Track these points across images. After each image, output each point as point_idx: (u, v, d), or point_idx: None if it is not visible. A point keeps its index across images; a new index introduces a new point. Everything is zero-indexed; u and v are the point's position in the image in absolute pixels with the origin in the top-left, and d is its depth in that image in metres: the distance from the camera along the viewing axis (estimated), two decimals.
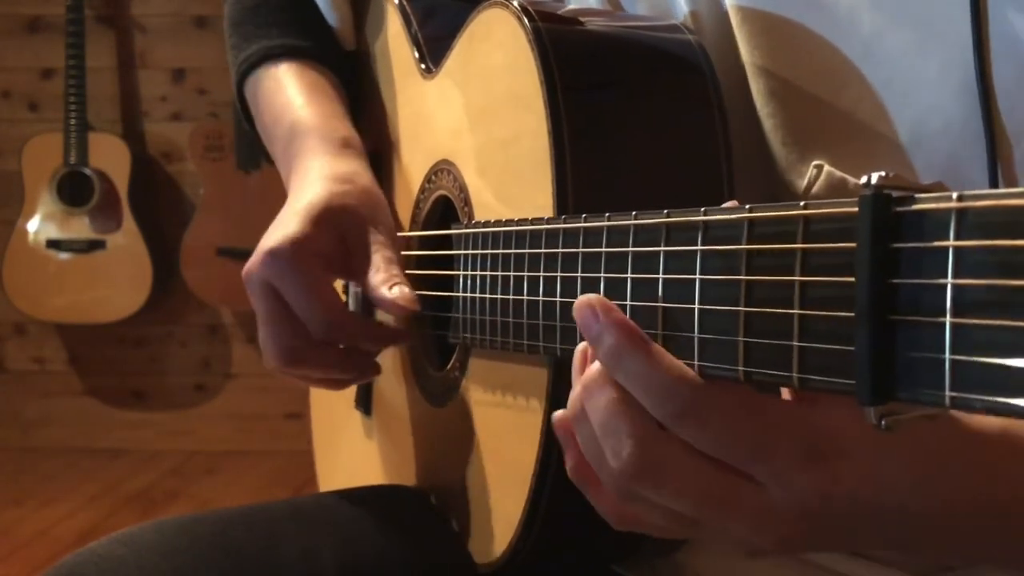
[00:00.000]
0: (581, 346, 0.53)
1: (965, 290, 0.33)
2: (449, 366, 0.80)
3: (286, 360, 0.78)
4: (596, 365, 0.50)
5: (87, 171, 3.11)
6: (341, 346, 0.80)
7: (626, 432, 0.48)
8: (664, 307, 0.49)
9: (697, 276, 0.46)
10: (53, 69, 3.26)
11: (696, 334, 0.47)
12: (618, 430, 0.48)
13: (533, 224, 0.63)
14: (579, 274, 0.57)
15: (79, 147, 3.10)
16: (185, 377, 3.41)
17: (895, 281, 0.36)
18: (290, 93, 0.90)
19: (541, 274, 0.61)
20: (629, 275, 0.52)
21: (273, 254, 0.75)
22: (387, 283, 0.76)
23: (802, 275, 0.40)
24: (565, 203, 0.64)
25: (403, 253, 0.87)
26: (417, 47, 0.90)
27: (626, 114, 0.66)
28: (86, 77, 3.11)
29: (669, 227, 0.49)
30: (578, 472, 0.55)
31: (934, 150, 0.61)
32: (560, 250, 0.59)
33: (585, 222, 0.56)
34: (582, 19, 0.70)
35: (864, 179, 0.37)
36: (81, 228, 3.14)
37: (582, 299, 0.49)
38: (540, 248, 0.61)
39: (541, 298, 0.61)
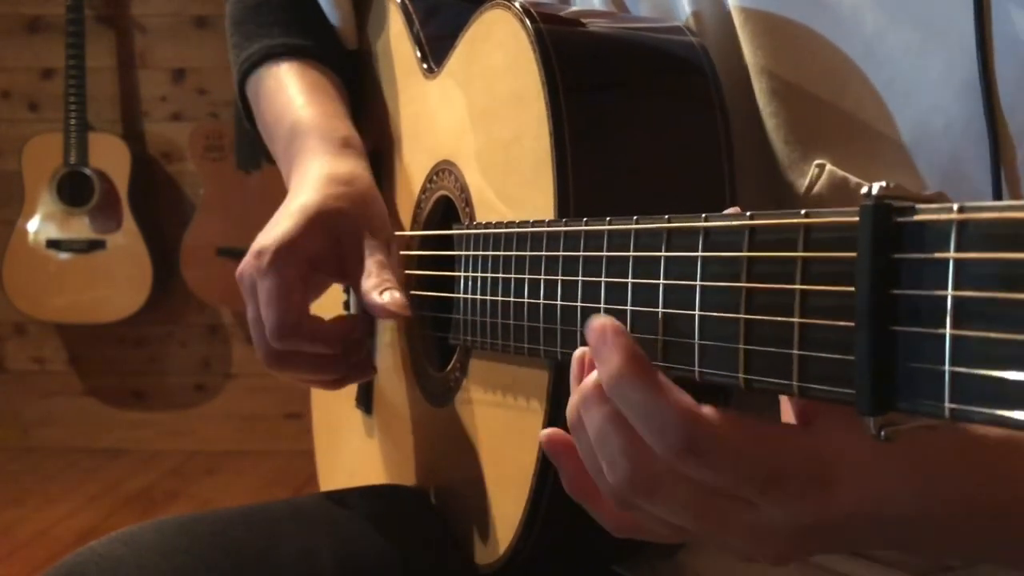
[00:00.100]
0: (578, 353, 0.53)
1: (965, 302, 0.33)
2: (450, 366, 0.80)
3: (269, 361, 0.78)
4: (593, 376, 0.50)
5: (87, 171, 3.11)
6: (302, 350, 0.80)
7: (619, 448, 0.48)
8: (664, 312, 0.49)
9: (698, 282, 0.46)
10: (53, 69, 3.26)
11: (696, 340, 0.47)
12: (612, 445, 0.48)
13: (534, 226, 0.63)
14: (580, 278, 0.57)
15: (79, 147, 3.10)
16: (185, 377, 3.40)
17: (895, 292, 0.36)
18: (291, 93, 0.90)
19: (542, 277, 0.61)
20: (630, 280, 0.52)
21: (259, 253, 0.76)
22: (378, 288, 0.76)
23: (803, 283, 0.40)
24: (566, 204, 0.64)
25: (404, 253, 0.87)
26: (419, 46, 0.90)
27: (627, 115, 0.66)
28: (86, 77, 3.11)
29: (670, 232, 0.49)
30: (574, 487, 0.55)
31: (936, 150, 0.61)
32: (561, 253, 0.59)
33: (586, 225, 0.56)
34: (584, 20, 0.70)
35: (865, 189, 0.37)
36: (81, 228, 3.14)
37: (597, 320, 0.48)
38: (541, 251, 0.61)
39: (542, 301, 0.62)
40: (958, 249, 0.33)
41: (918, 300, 0.35)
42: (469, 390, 0.77)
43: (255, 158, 3.04)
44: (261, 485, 3.04)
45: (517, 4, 0.69)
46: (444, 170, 0.82)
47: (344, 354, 0.81)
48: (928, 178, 0.61)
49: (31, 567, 2.42)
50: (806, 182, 0.65)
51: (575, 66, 0.66)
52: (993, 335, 0.32)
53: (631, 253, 0.52)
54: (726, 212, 0.48)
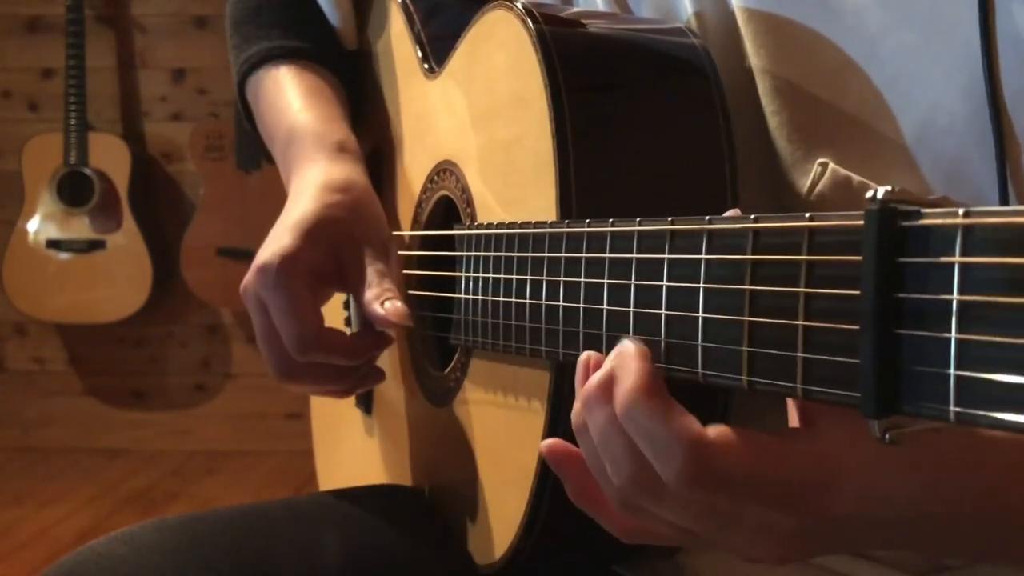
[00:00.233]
0: (583, 357, 0.53)
1: (971, 306, 0.33)
2: (450, 366, 0.80)
3: (281, 374, 0.78)
4: (596, 377, 0.50)
5: (87, 171, 3.11)
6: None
7: (623, 449, 0.48)
8: (668, 314, 0.49)
9: (701, 284, 0.46)
10: (53, 69, 3.26)
11: (699, 342, 0.47)
12: (616, 446, 0.48)
13: (536, 227, 0.63)
14: (582, 279, 0.57)
15: (79, 147, 3.10)
16: (185, 377, 3.40)
17: (900, 295, 0.36)
18: (289, 96, 0.90)
19: (544, 278, 0.61)
20: (632, 281, 0.52)
21: (263, 269, 0.75)
22: (379, 298, 0.76)
23: (807, 287, 0.40)
24: (568, 205, 0.64)
25: (404, 253, 0.87)
26: (420, 47, 0.90)
27: (629, 117, 0.66)
28: (86, 77, 3.10)
29: (674, 234, 0.49)
30: (578, 494, 0.55)
31: (939, 149, 0.61)
32: (563, 254, 0.59)
33: (589, 227, 0.56)
34: (585, 21, 0.70)
35: (870, 193, 0.37)
36: (81, 228, 3.14)
37: (627, 341, 0.49)
38: (543, 252, 0.61)
39: (544, 302, 0.62)
40: (964, 253, 0.33)
41: (923, 304, 0.35)
42: (469, 390, 0.77)
43: (255, 158, 3.04)
44: (261, 485, 3.04)
45: (519, 5, 0.69)
46: (445, 170, 0.82)
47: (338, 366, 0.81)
48: (931, 177, 0.61)
49: (31, 567, 2.42)
50: (809, 181, 0.65)
51: (577, 67, 0.66)
52: (999, 339, 0.32)
53: (634, 255, 0.52)
54: (726, 214, 0.48)
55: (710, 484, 0.46)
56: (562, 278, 0.59)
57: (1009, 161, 0.58)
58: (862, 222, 0.37)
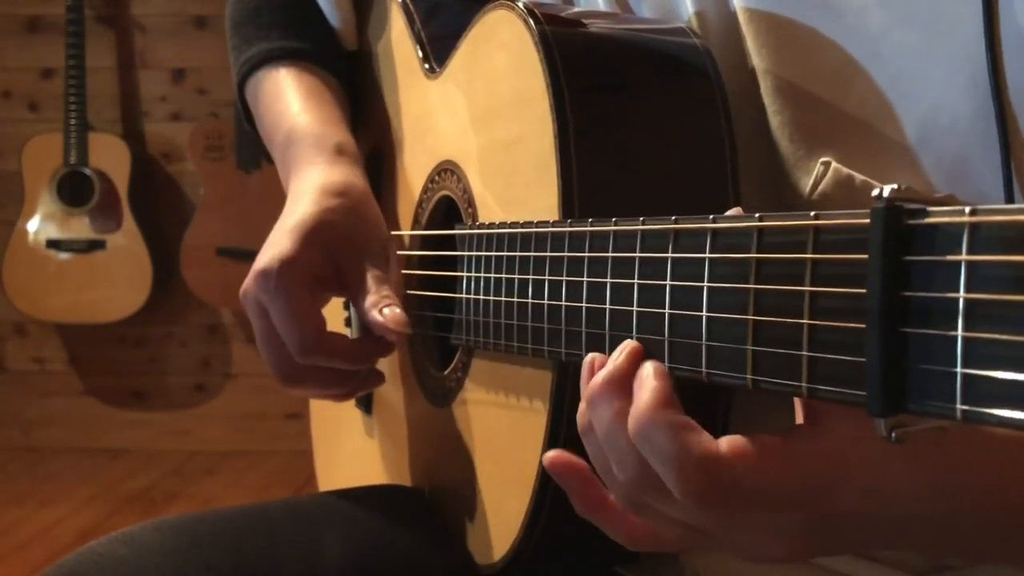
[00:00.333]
0: (588, 358, 0.53)
1: (978, 304, 0.33)
2: (451, 366, 0.80)
3: (283, 378, 0.79)
4: (600, 376, 0.50)
5: (87, 171, 3.11)
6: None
7: (628, 445, 0.48)
8: (671, 313, 0.49)
9: (705, 283, 0.46)
10: (53, 69, 3.26)
11: (704, 341, 0.47)
12: (622, 440, 0.48)
13: (539, 227, 0.63)
14: (585, 279, 0.57)
15: (79, 147, 3.10)
16: (185, 377, 3.40)
17: (907, 294, 0.36)
18: (288, 98, 0.90)
19: (546, 278, 0.61)
20: (636, 280, 0.52)
21: (263, 274, 0.76)
22: (377, 305, 0.76)
23: (812, 285, 0.40)
24: (570, 205, 0.64)
25: (405, 253, 0.87)
26: (421, 46, 0.90)
27: (631, 116, 0.66)
28: (86, 77, 3.10)
29: (677, 233, 0.49)
30: (583, 504, 0.55)
31: (942, 147, 0.61)
32: (566, 254, 0.59)
33: (592, 226, 0.56)
34: (587, 21, 0.70)
35: (876, 191, 0.36)
36: (81, 228, 3.14)
37: (649, 363, 0.49)
38: (546, 251, 0.61)
39: (546, 302, 0.61)
40: (970, 252, 0.33)
41: (929, 302, 0.35)
42: (470, 390, 0.77)
43: (255, 158, 3.04)
44: (261, 485, 3.04)
45: (520, 5, 0.69)
46: (446, 170, 0.82)
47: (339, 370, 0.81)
48: (933, 176, 0.61)
49: (31, 567, 2.42)
50: (811, 180, 0.65)
51: (579, 67, 0.66)
52: (1005, 337, 0.32)
53: (637, 254, 0.52)
54: (728, 213, 0.48)
55: (720, 500, 0.46)
56: (565, 277, 0.59)
57: (1014, 159, 0.58)
58: (868, 220, 0.37)
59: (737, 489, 0.45)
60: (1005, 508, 0.49)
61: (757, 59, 0.67)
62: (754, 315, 0.43)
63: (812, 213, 0.41)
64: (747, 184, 0.65)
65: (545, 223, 0.62)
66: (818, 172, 0.65)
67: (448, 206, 0.83)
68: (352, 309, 0.94)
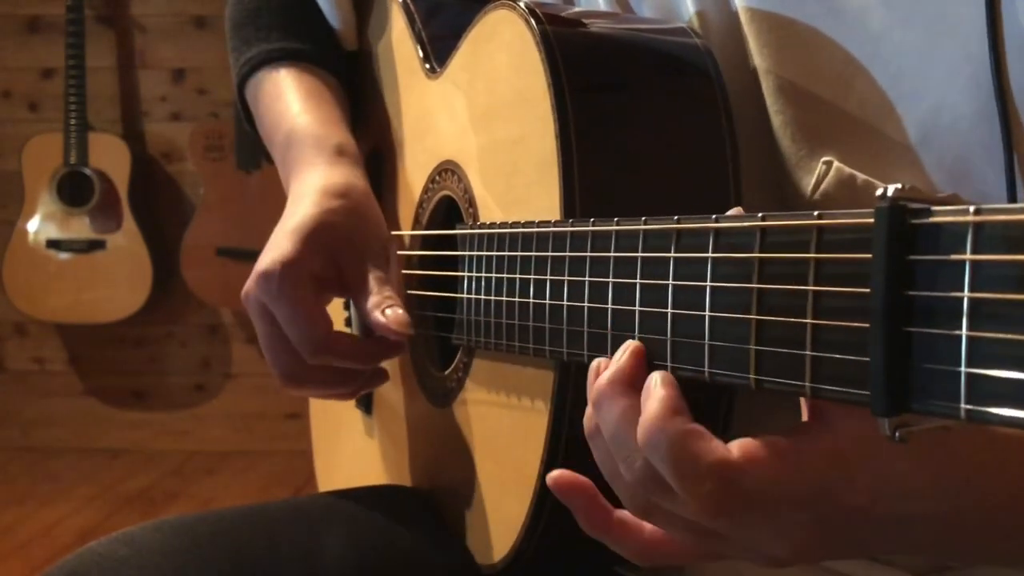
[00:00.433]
0: (594, 364, 0.53)
1: (982, 303, 0.33)
2: (452, 366, 0.80)
3: (286, 380, 0.79)
4: (605, 376, 0.50)
5: (87, 171, 3.11)
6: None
7: (635, 445, 0.48)
8: (674, 313, 0.49)
9: (708, 283, 0.46)
10: (53, 69, 3.26)
11: (706, 341, 0.47)
12: (628, 441, 0.48)
13: (540, 227, 0.63)
14: (587, 278, 0.57)
15: (79, 147, 3.10)
16: (185, 377, 3.40)
17: (911, 293, 0.36)
18: (288, 99, 0.90)
19: (548, 278, 0.61)
20: (638, 280, 0.52)
21: (265, 276, 0.76)
22: (380, 306, 0.76)
23: (816, 285, 0.40)
24: (572, 205, 0.63)
25: (406, 253, 0.87)
26: (421, 46, 0.90)
27: (632, 116, 0.66)
28: (86, 77, 3.10)
29: (680, 233, 0.49)
30: (590, 521, 0.55)
31: (943, 147, 0.61)
32: (567, 254, 0.59)
33: (593, 226, 0.56)
34: (588, 21, 0.69)
35: (880, 191, 0.36)
36: (81, 228, 3.14)
37: (657, 373, 0.48)
38: (547, 251, 0.61)
39: (548, 301, 0.61)
40: (975, 251, 0.33)
41: (933, 301, 0.35)
42: (471, 391, 0.77)
43: (255, 158, 3.04)
44: (261, 485, 3.04)
45: (522, 4, 0.69)
46: (447, 170, 0.82)
47: (345, 369, 0.81)
48: (935, 175, 0.61)
49: (31, 567, 2.42)
50: (813, 180, 0.65)
51: (580, 67, 0.66)
52: (1010, 337, 0.32)
53: (640, 254, 0.52)
54: (729, 213, 0.48)
55: (734, 506, 0.45)
56: (566, 277, 0.59)
57: (1017, 158, 0.58)
58: (871, 220, 0.37)
59: (751, 494, 0.45)
60: (1007, 508, 0.49)
61: (759, 59, 0.67)
62: (757, 315, 0.43)
63: (815, 213, 0.41)
64: (749, 184, 0.65)
65: (546, 223, 0.62)
66: (820, 172, 0.65)
67: (449, 206, 0.83)
68: (353, 310, 0.94)
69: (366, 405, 0.99)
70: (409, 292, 0.86)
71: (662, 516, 0.50)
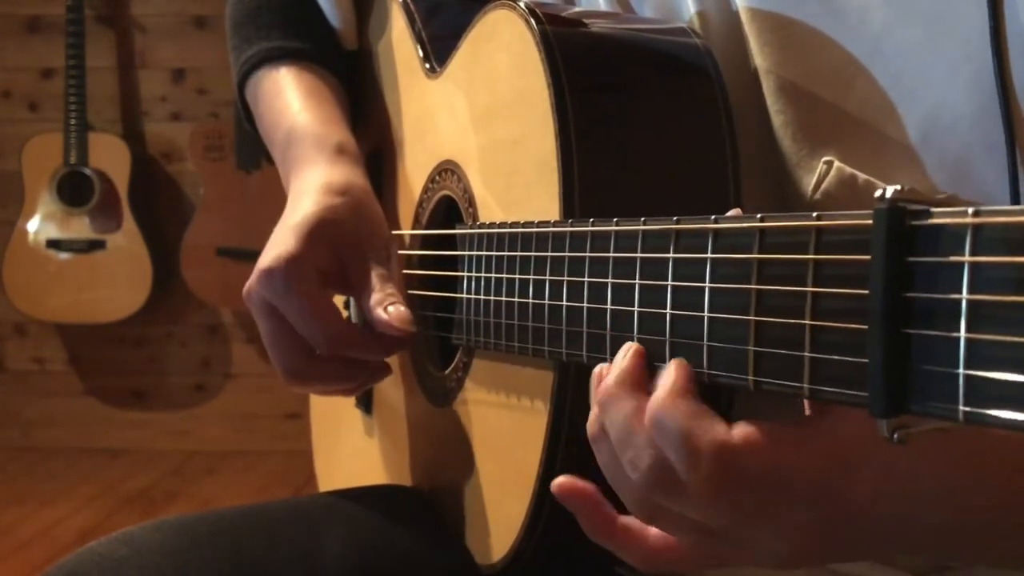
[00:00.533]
0: (596, 369, 0.53)
1: (981, 305, 0.33)
2: (452, 366, 0.80)
3: (291, 377, 0.79)
4: (610, 378, 0.50)
5: (87, 171, 3.11)
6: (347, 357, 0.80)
7: (643, 442, 0.48)
8: (673, 313, 0.49)
9: (707, 284, 0.46)
10: (53, 69, 3.26)
11: (705, 342, 0.47)
12: (635, 440, 0.48)
13: (539, 227, 0.63)
14: (586, 279, 0.57)
15: (79, 147, 3.10)
16: (185, 377, 3.40)
17: (909, 295, 0.36)
18: (288, 97, 0.90)
19: (547, 278, 0.61)
20: (637, 281, 0.52)
21: (269, 273, 0.75)
22: (383, 303, 0.76)
23: (814, 286, 0.40)
24: (571, 205, 0.63)
25: (406, 253, 0.87)
26: (421, 46, 0.90)
27: (632, 116, 0.66)
28: (86, 77, 3.11)
29: (679, 233, 0.49)
30: (595, 528, 0.55)
31: (944, 146, 0.61)
32: (567, 254, 0.59)
33: (593, 226, 0.56)
34: (588, 21, 0.69)
35: (879, 192, 0.36)
36: (81, 228, 3.14)
37: (675, 360, 0.49)
38: (547, 251, 0.61)
39: (547, 302, 0.61)
40: (973, 253, 0.33)
41: (932, 303, 0.35)
42: (471, 390, 0.77)
43: (255, 158, 3.04)
44: (261, 485, 3.04)
45: (522, 4, 0.69)
46: (447, 170, 0.82)
47: (352, 363, 0.81)
48: (936, 175, 0.61)
49: (31, 567, 2.42)
50: (814, 179, 0.65)
51: (580, 67, 0.66)
52: (1008, 339, 0.32)
53: (639, 254, 0.52)
54: (729, 214, 0.48)
55: (731, 486, 0.46)
56: (566, 278, 0.59)
57: (1020, 158, 0.58)
58: (870, 221, 0.37)
59: (747, 475, 0.45)
60: (1007, 508, 0.49)
61: (759, 59, 0.67)
62: (756, 316, 0.43)
63: (814, 214, 0.41)
64: (749, 183, 0.65)
65: (546, 223, 0.62)
66: (821, 171, 0.65)
67: (449, 206, 0.83)
68: (353, 308, 0.94)
69: (366, 405, 0.99)
70: (409, 292, 0.86)
71: (667, 519, 0.50)
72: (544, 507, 0.67)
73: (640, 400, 0.49)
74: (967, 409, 0.33)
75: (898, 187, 0.36)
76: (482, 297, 0.70)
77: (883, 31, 0.63)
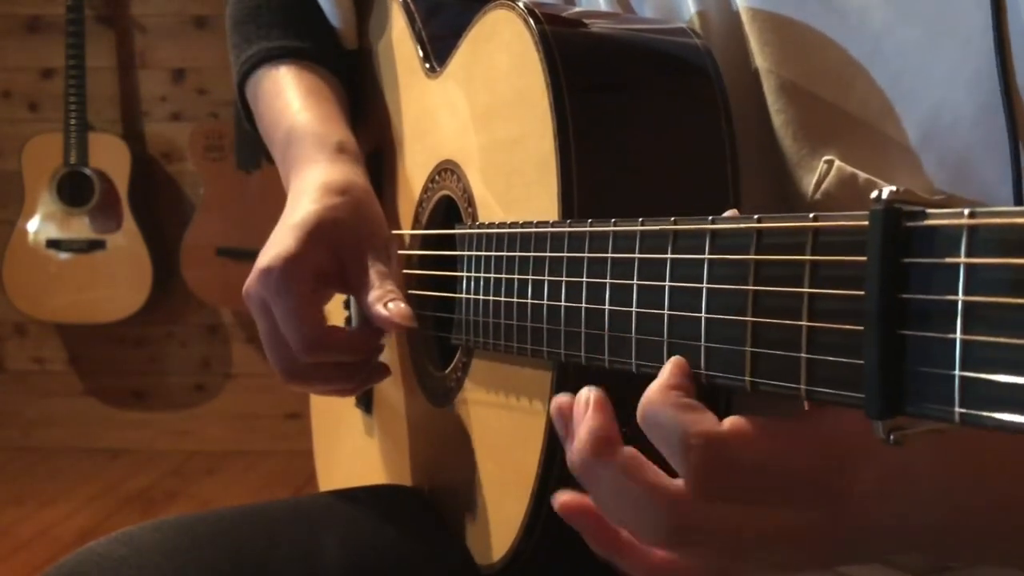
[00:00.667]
0: (554, 404, 0.53)
1: (976, 306, 0.33)
2: (451, 366, 0.80)
3: (287, 375, 0.79)
4: (583, 435, 0.50)
5: (87, 171, 3.11)
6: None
7: (646, 501, 0.48)
8: (670, 314, 0.49)
9: (704, 284, 0.46)
10: (53, 69, 3.26)
11: (702, 343, 0.47)
12: (635, 492, 0.48)
13: (538, 227, 0.63)
14: (584, 279, 0.57)
15: (79, 147, 3.10)
16: (185, 377, 3.40)
17: (905, 296, 0.36)
18: (288, 96, 0.90)
19: (546, 278, 0.61)
20: (635, 281, 0.52)
21: (267, 272, 0.76)
22: (382, 300, 0.76)
23: (811, 287, 0.40)
24: (570, 205, 0.63)
25: (406, 253, 0.87)
26: (421, 46, 0.90)
27: (631, 117, 0.66)
28: (86, 77, 3.11)
29: (676, 234, 0.49)
30: (598, 543, 0.54)
31: (945, 146, 0.61)
32: (565, 254, 0.59)
33: (591, 227, 0.56)
34: (587, 21, 0.70)
35: (875, 193, 0.36)
36: (81, 228, 3.14)
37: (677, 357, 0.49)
38: (545, 252, 0.61)
39: (545, 302, 0.61)
40: (969, 254, 0.33)
41: (928, 305, 0.35)
42: (470, 390, 0.77)
43: (255, 158, 3.04)
44: (261, 485, 3.04)
45: (521, 4, 0.69)
46: (446, 170, 0.82)
47: (362, 360, 0.81)
48: (937, 174, 0.61)
49: (31, 567, 2.42)
50: (814, 179, 0.65)
51: (579, 67, 0.66)
52: (1004, 340, 0.32)
53: (637, 255, 0.52)
54: (725, 215, 0.48)
55: (723, 478, 0.45)
56: (564, 278, 0.59)
57: (1023, 157, 0.58)
58: (867, 222, 0.37)
59: (738, 465, 0.45)
60: (1007, 508, 0.49)
61: (760, 59, 0.67)
62: (753, 316, 0.43)
63: (811, 215, 0.41)
64: (750, 183, 0.65)
65: (545, 223, 0.62)
66: (821, 171, 0.65)
67: (448, 206, 0.83)
68: (353, 308, 0.94)
69: (366, 404, 0.99)
70: (409, 291, 0.86)
71: (684, 554, 0.50)
72: (543, 507, 0.67)
73: (618, 460, 0.48)
74: (963, 411, 0.34)
75: (894, 188, 0.36)
76: (481, 297, 0.70)
77: (883, 31, 0.63)
